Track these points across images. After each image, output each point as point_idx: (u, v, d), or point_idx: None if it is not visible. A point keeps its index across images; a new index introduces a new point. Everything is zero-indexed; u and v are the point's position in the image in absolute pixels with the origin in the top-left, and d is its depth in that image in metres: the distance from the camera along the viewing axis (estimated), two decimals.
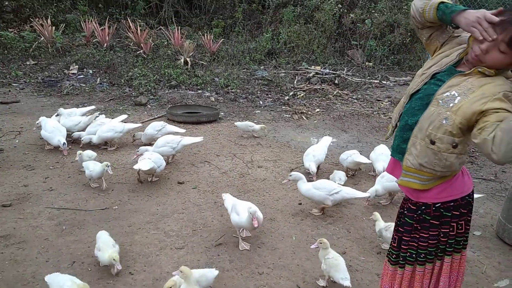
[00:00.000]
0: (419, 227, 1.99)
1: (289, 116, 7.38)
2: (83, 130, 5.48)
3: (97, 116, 5.78)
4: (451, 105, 1.77)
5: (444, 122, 1.78)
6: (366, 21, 12.13)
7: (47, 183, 4.43)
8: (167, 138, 4.95)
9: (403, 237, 2.04)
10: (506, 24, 1.66)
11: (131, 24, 10.78)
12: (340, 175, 4.50)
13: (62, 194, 4.20)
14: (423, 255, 1.99)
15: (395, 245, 2.09)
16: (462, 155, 1.86)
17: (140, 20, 12.21)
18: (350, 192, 3.95)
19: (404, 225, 2.04)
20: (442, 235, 1.96)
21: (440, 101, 1.80)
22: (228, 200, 3.65)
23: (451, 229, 1.96)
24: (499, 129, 1.59)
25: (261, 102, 8.09)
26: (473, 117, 1.71)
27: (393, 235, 2.14)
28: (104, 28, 10.68)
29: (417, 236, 1.99)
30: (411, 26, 10.97)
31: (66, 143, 5.01)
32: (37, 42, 10.13)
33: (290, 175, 4.03)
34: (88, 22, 10.87)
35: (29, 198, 4.08)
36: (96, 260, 3.11)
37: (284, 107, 7.89)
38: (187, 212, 3.96)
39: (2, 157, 5.01)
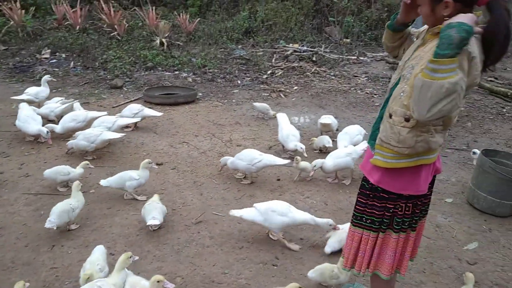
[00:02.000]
0: (371, 195, 2.03)
1: (268, 94, 7.39)
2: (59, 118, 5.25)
3: (72, 103, 5.62)
4: (409, 77, 1.80)
5: (401, 95, 1.82)
6: None
7: (23, 169, 4.37)
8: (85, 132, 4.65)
9: (359, 199, 2.12)
10: None
11: (103, 6, 10.50)
12: (325, 139, 4.93)
13: (38, 179, 4.15)
14: (369, 220, 2.04)
15: (355, 206, 2.15)
16: (418, 133, 1.78)
17: (113, 1, 11.86)
18: (272, 160, 4.13)
19: (361, 187, 2.11)
20: (387, 211, 1.98)
21: (403, 77, 1.86)
22: (246, 211, 3.25)
23: (399, 209, 1.96)
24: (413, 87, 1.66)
25: (239, 82, 8.07)
26: None
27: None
28: (76, 10, 10.37)
29: (369, 202, 2.04)
30: (388, 1, 11.00)
31: (49, 131, 4.81)
32: (6, 26, 9.78)
33: (220, 161, 4.32)
34: (59, 4, 10.54)
35: (5, 185, 4.03)
36: (75, 243, 3.13)
37: (262, 85, 7.89)
38: (167, 192, 3.98)
39: None
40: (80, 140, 4.53)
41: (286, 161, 4.16)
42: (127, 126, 5.50)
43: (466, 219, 3.66)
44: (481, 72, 1.72)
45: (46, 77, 5.97)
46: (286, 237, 3.27)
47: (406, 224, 1.99)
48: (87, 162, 4.05)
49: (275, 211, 3.11)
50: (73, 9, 10.47)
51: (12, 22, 9.82)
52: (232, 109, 6.55)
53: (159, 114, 5.59)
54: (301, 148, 4.50)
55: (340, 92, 7.63)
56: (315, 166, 4.06)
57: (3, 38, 9.62)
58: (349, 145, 4.44)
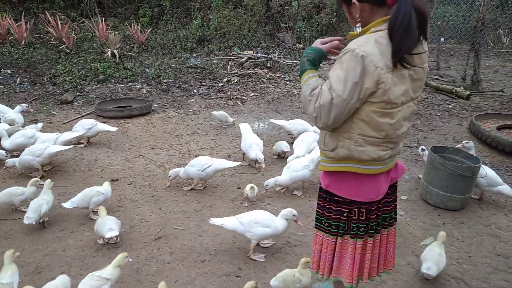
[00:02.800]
0: (327, 198, 2.05)
1: (224, 102, 7.37)
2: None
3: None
4: None
5: None
6: (293, 3, 12.34)
7: None
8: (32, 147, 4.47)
9: (318, 201, 2.14)
10: None
11: (50, 18, 10.13)
12: (283, 144, 4.93)
13: None
14: (327, 224, 2.05)
15: (316, 209, 2.17)
16: (340, 137, 1.85)
17: (60, 13, 11.49)
18: (222, 163, 4.20)
19: (319, 190, 2.14)
20: (342, 215, 1.99)
21: None
22: (227, 221, 3.22)
23: (353, 214, 1.98)
24: None
25: (195, 91, 7.99)
26: None
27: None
28: (21, 24, 9.93)
29: (326, 205, 2.06)
30: (336, 6, 11.26)
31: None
32: None
33: (169, 175, 4.25)
34: (2, 18, 10.04)
35: None
36: (26, 270, 2.97)
37: (219, 93, 7.86)
38: (123, 209, 3.85)
39: None
40: (25, 155, 4.31)
41: (236, 164, 4.26)
42: (79, 142, 5.31)
43: (421, 214, 3.79)
44: (396, 66, 1.71)
45: (23, 106, 5.71)
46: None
47: (362, 230, 1.99)
48: (36, 179, 3.88)
49: (257, 223, 3.09)
50: (17, 23, 10.02)
51: None
52: (189, 119, 6.47)
53: (114, 129, 5.41)
54: (260, 159, 4.49)
55: (295, 97, 7.73)
56: (267, 186, 3.98)
57: None
58: (306, 155, 4.38)
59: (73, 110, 6.76)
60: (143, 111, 6.58)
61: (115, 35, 9.84)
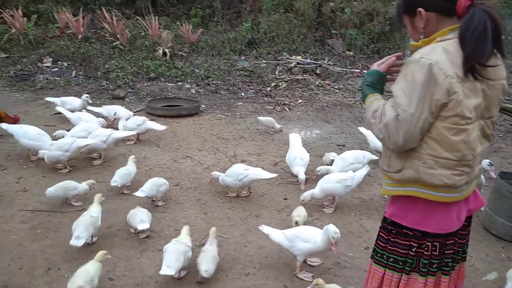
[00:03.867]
0: (393, 231, 1.84)
1: (272, 107, 7.27)
2: None
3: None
4: None
5: None
6: (345, 9, 12.05)
7: (21, 183, 4.21)
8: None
9: (380, 233, 1.93)
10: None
11: (106, 14, 10.43)
12: (332, 155, 4.71)
13: (36, 195, 3.99)
14: (391, 259, 1.84)
15: (377, 241, 1.96)
16: (409, 158, 1.68)
17: (115, 10, 11.82)
18: (257, 173, 4.03)
19: (383, 221, 1.93)
20: (411, 250, 1.78)
21: None
22: (275, 233, 3.10)
23: (425, 249, 1.77)
24: None
25: (242, 94, 7.95)
26: None
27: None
28: (78, 18, 10.29)
29: (391, 238, 1.85)
30: (390, 14, 10.91)
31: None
32: (8, 34, 9.68)
33: (211, 175, 4.23)
34: (61, 12, 10.46)
35: (0, 200, 3.86)
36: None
37: (266, 98, 7.77)
38: (169, 211, 3.82)
39: None
40: (53, 150, 4.36)
41: (274, 175, 4.09)
42: (129, 139, 5.36)
43: (483, 246, 3.50)
44: (467, 75, 1.56)
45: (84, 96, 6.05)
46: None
47: (434, 266, 1.78)
48: (92, 181, 3.92)
49: (298, 237, 2.94)
50: (75, 18, 10.39)
51: (13, 30, 9.73)
52: (236, 122, 6.41)
53: (162, 128, 5.43)
54: (301, 179, 4.18)
55: (345, 106, 7.51)
56: (303, 200, 3.77)
57: (4, 46, 9.52)
58: (349, 171, 4.09)
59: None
60: (192, 111, 6.59)
61: (167, 34, 9.98)
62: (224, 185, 4.14)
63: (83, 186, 3.83)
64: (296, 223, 3.36)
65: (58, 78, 8.23)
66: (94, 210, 3.29)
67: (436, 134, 1.60)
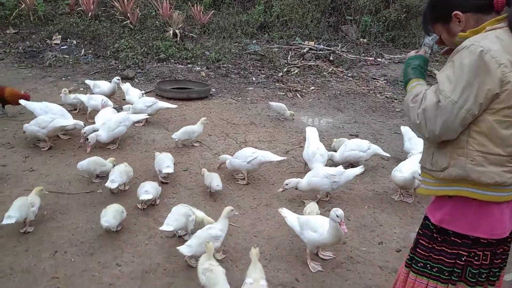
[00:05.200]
0: (439, 238, 1.72)
1: (283, 93, 7.12)
2: None
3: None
4: None
5: None
6: None
7: (28, 162, 4.15)
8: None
9: (420, 240, 1.80)
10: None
11: None
12: (342, 141, 4.60)
13: (43, 175, 3.93)
14: (436, 269, 1.72)
15: (412, 246, 1.87)
16: (453, 155, 1.57)
17: None
18: (266, 156, 3.99)
19: (423, 227, 1.80)
20: (460, 259, 1.65)
21: None
22: (292, 217, 3.07)
23: (475, 258, 1.64)
24: None
25: (253, 79, 7.80)
26: None
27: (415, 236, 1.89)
28: None
29: (436, 247, 1.72)
30: (407, 1, 10.59)
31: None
32: (18, 9, 9.54)
33: (220, 158, 4.22)
34: None
35: (7, 179, 3.80)
36: (79, 249, 2.90)
37: (277, 84, 7.62)
38: (178, 197, 3.74)
39: None
40: (31, 125, 4.32)
41: (282, 158, 4.08)
42: (138, 121, 5.27)
43: None
44: None
45: (115, 79, 5.84)
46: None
47: (483, 276, 1.66)
48: (113, 158, 3.99)
49: (308, 225, 2.86)
50: None
51: (23, 5, 9.59)
52: (246, 108, 6.28)
53: (173, 106, 5.40)
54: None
55: (358, 94, 7.34)
56: (286, 185, 3.67)
57: (13, 21, 9.39)
58: (339, 166, 3.92)
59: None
60: (202, 94, 6.47)
61: (178, 14, 9.79)
62: (232, 168, 4.07)
63: (109, 164, 3.87)
64: (311, 213, 3.27)
65: (67, 56, 8.12)
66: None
67: (486, 128, 1.50)
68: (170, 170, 3.79)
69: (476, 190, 1.57)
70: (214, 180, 3.67)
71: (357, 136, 5.47)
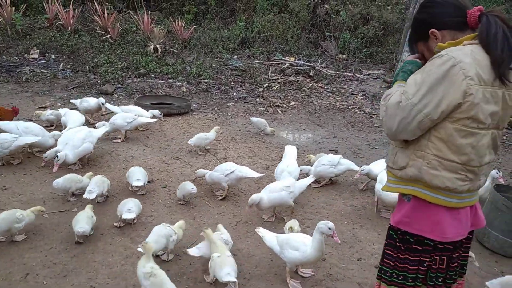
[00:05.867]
0: (402, 247, 1.79)
1: (264, 109, 7.15)
2: None
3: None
4: None
5: None
6: (341, 12, 12.00)
7: (0, 180, 4.03)
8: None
9: (387, 251, 1.88)
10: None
11: (97, 7, 10.20)
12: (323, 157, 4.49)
13: (16, 194, 3.82)
14: (401, 277, 1.80)
15: (381, 257, 1.92)
16: (412, 156, 1.66)
17: (107, 3, 11.57)
18: (244, 171, 3.96)
19: (388, 237, 1.88)
20: (422, 265, 1.75)
21: None
22: (270, 236, 3.02)
23: (433, 262, 1.74)
24: None
25: (234, 94, 7.82)
26: None
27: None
28: (69, 10, 10.06)
29: (400, 256, 1.80)
30: (384, 19, 10.88)
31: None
32: None
33: (196, 172, 4.21)
34: (51, 3, 10.19)
35: None
36: (52, 271, 2.81)
37: (258, 99, 7.65)
38: (156, 215, 3.67)
39: None
40: None
41: (260, 174, 4.04)
42: (116, 137, 5.20)
43: (476, 259, 3.43)
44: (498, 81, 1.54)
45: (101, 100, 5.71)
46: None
47: (440, 280, 1.76)
48: (91, 173, 3.93)
49: (288, 244, 2.82)
50: (66, 9, 10.15)
51: (1, 19, 9.44)
52: (227, 123, 6.28)
53: (153, 120, 5.38)
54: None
55: (338, 110, 7.43)
56: (252, 204, 3.50)
57: None
58: (290, 178, 3.90)
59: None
60: (182, 110, 6.44)
61: (159, 29, 9.80)
62: (211, 181, 4.07)
63: (86, 179, 3.80)
64: (291, 229, 3.25)
65: (45, 71, 8.00)
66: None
67: (445, 134, 1.57)
68: (140, 183, 3.80)
69: (428, 192, 1.67)
70: (188, 185, 3.75)
71: (336, 152, 5.52)
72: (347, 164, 4.43)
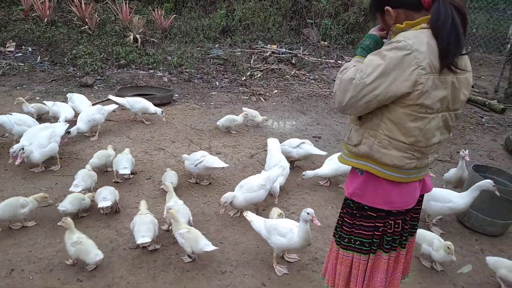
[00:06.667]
0: (357, 214, 1.90)
1: (247, 97, 7.14)
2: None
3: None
4: None
5: None
6: None
7: None
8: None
9: (345, 218, 1.98)
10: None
11: None
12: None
13: None
14: (358, 242, 1.92)
15: (339, 223, 2.03)
16: (365, 134, 1.73)
17: None
18: (211, 161, 3.99)
19: (346, 206, 1.97)
20: (377, 230, 1.86)
21: None
22: (258, 221, 3.06)
23: (388, 227, 1.86)
24: None
25: (217, 83, 7.77)
26: None
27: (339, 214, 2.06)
28: (45, 1, 9.79)
29: (356, 222, 1.91)
30: (365, 4, 10.95)
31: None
32: None
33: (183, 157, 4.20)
34: None
35: None
36: (38, 266, 2.79)
37: (241, 88, 7.63)
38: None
39: None
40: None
41: (226, 165, 4.04)
42: (92, 135, 5.06)
43: (457, 238, 3.53)
44: (442, 68, 1.57)
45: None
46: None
47: (397, 242, 1.91)
48: (44, 195, 3.44)
49: (276, 230, 2.86)
50: (41, 0, 9.87)
51: None
52: (210, 113, 6.26)
53: (115, 106, 5.37)
54: (274, 193, 3.85)
55: (320, 97, 7.47)
56: (225, 203, 3.40)
57: None
58: (263, 172, 3.89)
59: (92, 94, 6.59)
60: (164, 100, 6.38)
61: (138, 19, 9.64)
62: (187, 169, 4.12)
63: (33, 201, 3.33)
64: (282, 215, 3.27)
65: (22, 64, 7.81)
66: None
67: (396, 117, 1.64)
68: (127, 171, 3.84)
69: (378, 168, 1.77)
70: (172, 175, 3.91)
71: (319, 138, 5.56)
72: (306, 148, 4.44)
